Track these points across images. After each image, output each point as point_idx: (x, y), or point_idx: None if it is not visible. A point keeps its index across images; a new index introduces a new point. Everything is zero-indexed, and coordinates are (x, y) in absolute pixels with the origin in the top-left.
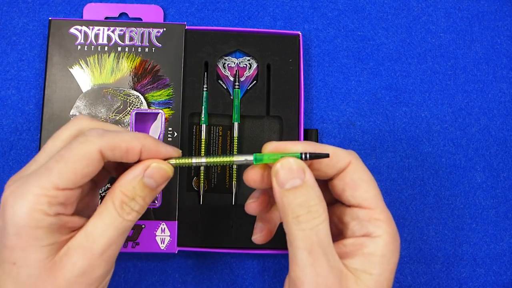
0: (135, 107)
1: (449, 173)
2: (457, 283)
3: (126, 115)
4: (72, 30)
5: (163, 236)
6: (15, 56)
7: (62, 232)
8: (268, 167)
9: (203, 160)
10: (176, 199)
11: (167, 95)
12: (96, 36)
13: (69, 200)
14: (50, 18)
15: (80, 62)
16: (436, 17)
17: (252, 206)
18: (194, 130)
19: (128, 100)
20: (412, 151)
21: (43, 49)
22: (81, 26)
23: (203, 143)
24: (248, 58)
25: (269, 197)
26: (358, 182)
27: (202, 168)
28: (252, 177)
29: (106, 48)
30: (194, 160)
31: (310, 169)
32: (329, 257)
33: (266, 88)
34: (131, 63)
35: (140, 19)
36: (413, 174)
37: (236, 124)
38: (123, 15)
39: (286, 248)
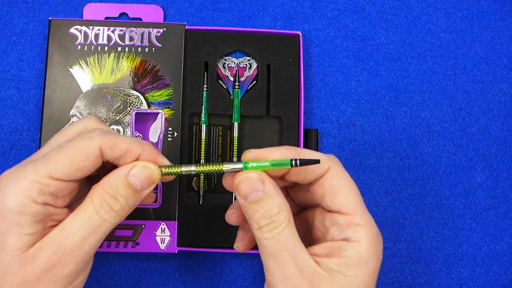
0: (135, 107)
1: (449, 173)
2: (457, 283)
3: (126, 115)
4: (72, 30)
5: (163, 236)
6: (15, 56)
7: (46, 224)
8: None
9: (192, 168)
10: (176, 199)
11: (167, 95)
12: (96, 36)
13: (60, 192)
14: (50, 18)
15: (80, 62)
16: (436, 17)
17: (231, 216)
18: (194, 130)
19: (128, 100)
20: (412, 151)
21: (43, 49)
22: (81, 26)
23: (203, 143)
24: (248, 58)
25: None
26: (337, 188)
27: None
28: (229, 183)
29: (106, 48)
30: (184, 169)
31: (288, 175)
32: (297, 259)
33: (266, 88)
34: (131, 63)
35: (140, 19)
36: (413, 174)
37: (236, 124)
38: (123, 15)
39: None
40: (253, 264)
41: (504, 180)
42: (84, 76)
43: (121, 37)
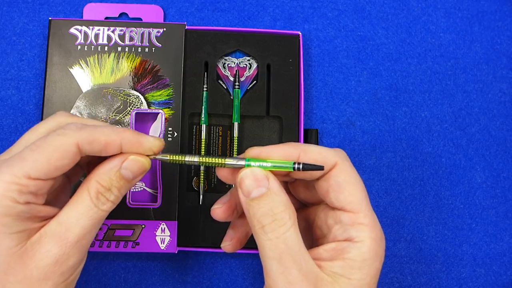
0: (135, 107)
1: (449, 173)
2: (457, 283)
3: (126, 115)
4: (72, 30)
5: (163, 236)
6: (15, 56)
7: (33, 220)
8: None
9: (196, 159)
10: (176, 199)
11: (167, 95)
12: (96, 36)
13: (40, 191)
14: (50, 18)
15: (80, 62)
16: (436, 17)
17: (217, 211)
18: (194, 130)
19: (128, 100)
20: (412, 151)
21: (43, 49)
22: (81, 26)
23: (203, 143)
24: (248, 58)
25: (235, 204)
26: (343, 185)
27: (202, 168)
28: (224, 174)
29: (106, 48)
30: (188, 158)
31: (293, 172)
32: (301, 263)
33: (266, 88)
34: (131, 63)
35: (140, 19)
36: (413, 174)
37: (236, 124)
38: (123, 15)
39: None
40: (253, 264)
41: (504, 180)
42: (84, 76)
43: (121, 37)
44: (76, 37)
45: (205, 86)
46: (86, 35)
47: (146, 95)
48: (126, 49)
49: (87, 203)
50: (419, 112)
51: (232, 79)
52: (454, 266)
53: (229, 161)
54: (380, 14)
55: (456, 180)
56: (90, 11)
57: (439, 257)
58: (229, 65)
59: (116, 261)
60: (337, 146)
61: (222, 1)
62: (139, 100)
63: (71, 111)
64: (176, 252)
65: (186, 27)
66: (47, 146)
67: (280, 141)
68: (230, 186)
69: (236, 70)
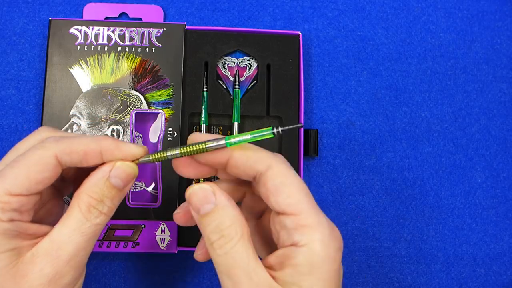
0: (135, 107)
1: (449, 173)
2: (457, 283)
3: (126, 115)
4: (72, 30)
5: (163, 236)
6: (15, 56)
7: (23, 238)
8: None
9: (177, 151)
10: (176, 199)
11: (167, 95)
12: (96, 36)
13: (24, 207)
14: (50, 18)
15: (80, 62)
16: (436, 17)
17: (176, 217)
18: (194, 130)
19: (128, 100)
20: (412, 151)
21: (43, 49)
22: (81, 26)
23: None
24: (248, 58)
25: None
26: (280, 187)
27: None
28: (182, 169)
29: (106, 48)
30: (169, 153)
31: (228, 167)
32: (251, 276)
33: (266, 88)
34: (131, 63)
35: (140, 19)
36: (413, 174)
37: (236, 124)
38: (123, 15)
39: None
40: None
41: (504, 180)
42: (84, 76)
43: (121, 37)
44: (76, 37)
45: (205, 86)
46: (86, 35)
47: (146, 95)
48: (126, 49)
49: (78, 218)
50: (419, 112)
51: (232, 79)
52: (454, 266)
53: (209, 144)
54: (380, 14)
55: (456, 180)
56: (90, 11)
57: (439, 257)
58: (229, 65)
59: (116, 261)
60: (337, 146)
61: (222, 1)
62: (139, 100)
63: (71, 111)
64: (176, 252)
65: (186, 27)
66: (26, 161)
67: (280, 141)
68: None
69: (236, 70)
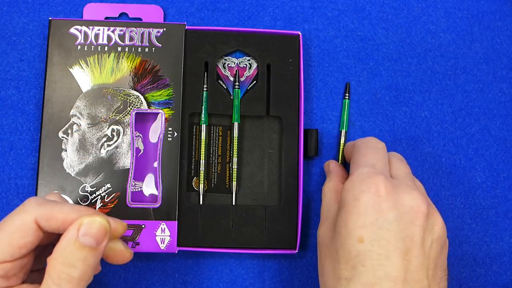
0: (135, 107)
1: (449, 173)
2: (457, 283)
3: (126, 115)
4: (72, 30)
5: (163, 236)
6: (15, 56)
7: None
8: None
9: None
10: (176, 199)
11: (167, 95)
12: (96, 36)
13: (10, 272)
14: (50, 18)
15: (80, 62)
16: (436, 17)
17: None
18: (194, 130)
19: (128, 100)
20: (412, 151)
21: (43, 49)
22: (81, 26)
23: (203, 143)
24: (248, 58)
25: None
26: None
27: (202, 168)
28: None
29: (106, 48)
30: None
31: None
32: None
33: (266, 88)
34: (131, 63)
35: (140, 19)
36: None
37: (236, 124)
38: (123, 15)
39: (286, 248)
40: (252, 264)
41: (504, 180)
42: (84, 76)
43: (121, 37)
44: (76, 37)
45: (205, 86)
46: (86, 35)
47: (146, 95)
48: (126, 49)
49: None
50: (419, 112)
51: (232, 79)
52: (454, 266)
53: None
54: (380, 14)
55: (456, 180)
56: (90, 11)
57: None
58: (229, 65)
59: None
60: (337, 146)
61: (222, 1)
62: (139, 100)
63: (71, 111)
64: (176, 252)
65: (186, 27)
66: (7, 228)
67: (280, 141)
68: (230, 187)
69: (236, 70)
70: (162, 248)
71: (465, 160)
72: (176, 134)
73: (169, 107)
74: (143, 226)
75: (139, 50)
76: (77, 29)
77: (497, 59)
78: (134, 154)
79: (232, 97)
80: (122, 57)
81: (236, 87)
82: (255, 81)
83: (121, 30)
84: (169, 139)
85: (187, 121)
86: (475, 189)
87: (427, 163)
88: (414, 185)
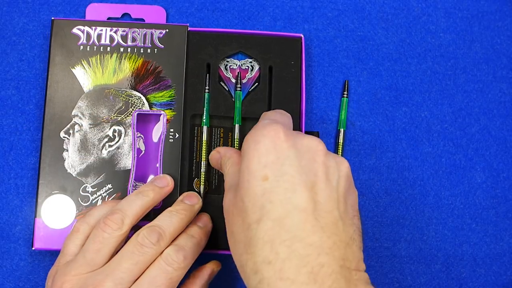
0: (137, 108)
1: (449, 173)
2: (457, 283)
3: (127, 116)
4: (75, 30)
5: None
6: (15, 56)
7: None
8: None
9: None
10: (176, 199)
11: (169, 96)
12: (99, 36)
13: None
14: (52, 18)
15: (82, 62)
16: (436, 17)
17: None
18: (195, 131)
19: (130, 101)
20: (412, 151)
21: (43, 49)
22: (84, 26)
23: (204, 144)
24: (250, 60)
25: None
26: None
27: (203, 169)
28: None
29: (108, 49)
30: None
31: None
32: None
33: (268, 90)
34: (133, 64)
35: (143, 19)
36: (413, 174)
37: (237, 126)
38: (125, 15)
39: None
40: None
41: (504, 180)
42: (86, 77)
43: (124, 37)
44: (78, 37)
45: (207, 87)
46: (88, 35)
47: (148, 96)
48: (129, 50)
49: None
50: (419, 112)
51: (234, 80)
52: (454, 266)
53: None
54: (380, 14)
55: (456, 180)
56: (93, 11)
57: (439, 257)
58: (231, 67)
59: None
60: (336, 146)
61: (222, 1)
62: (141, 101)
63: (73, 112)
64: None
65: (189, 29)
66: None
67: None
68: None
69: (238, 72)
70: None
71: (465, 160)
72: (177, 135)
73: (170, 108)
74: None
75: (142, 51)
76: (79, 29)
77: (497, 59)
78: (135, 155)
79: (234, 99)
80: (124, 58)
81: (238, 89)
82: (257, 83)
83: (123, 31)
84: (170, 140)
85: (188, 122)
86: (475, 189)
87: (427, 163)
88: None
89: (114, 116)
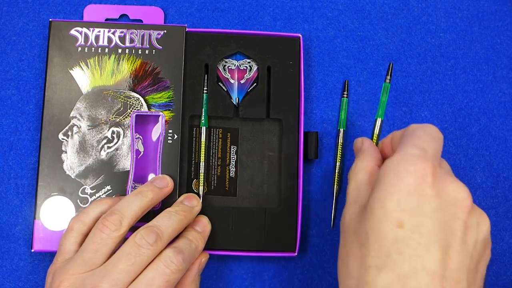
0: (135, 109)
1: None
2: None
3: (126, 117)
4: (73, 31)
5: None
6: (15, 56)
7: None
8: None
9: None
10: (176, 199)
11: (167, 97)
12: (97, 37)
13: None
14: (50, 20)
15: (81, 63)
16: (436, 17)
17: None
18: (194, 132)
19: (128, 102)
20: None
21: (43, 49)
22: (82, 27)
23: (203, 145)
24: (249, 60)
25: None
26: None
27: (201, 171)
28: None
29: (106, 50)
30: None
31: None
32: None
33: (266, 91)
34: (132, 65)
35: (141, 20)
36: None
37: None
38: (123, 16)
39: (285, 251)
40: (252, 265)
41: (504, 180)
42: (85, 78)
43: (122, 39)
44: (76, 39)
45: (205, 88)
46: (86, 37)
47: (147, 97)
48: (127, 51)
49: None
50: (419, 112)
51: (232, 81)
52: None
53: None
54: (380, 14)
55: None
56: (91, 13)
57: None
58: (229, 67)
59: None
60: (336, 146)
61: (222, 1)
62: (139, 102)
63: (71, 113)
64: None
65: (187, 29)
66: None
67: (280, 143)
68: (230, 189)
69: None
70: None
71: (465, 160)
72: (176, 136)
73: (169, 109)
74: None
75: (140, 52)
76: (77, 31)
77: (497, 59)
78: (134, 156)
79: (233, 99)
80: (123, 59)
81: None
82: (255, 84)
83: (121, 32)
84: (169, 141)
85: (187, 123)
86: (475, 189)
87: None
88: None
89: (112, 118)
